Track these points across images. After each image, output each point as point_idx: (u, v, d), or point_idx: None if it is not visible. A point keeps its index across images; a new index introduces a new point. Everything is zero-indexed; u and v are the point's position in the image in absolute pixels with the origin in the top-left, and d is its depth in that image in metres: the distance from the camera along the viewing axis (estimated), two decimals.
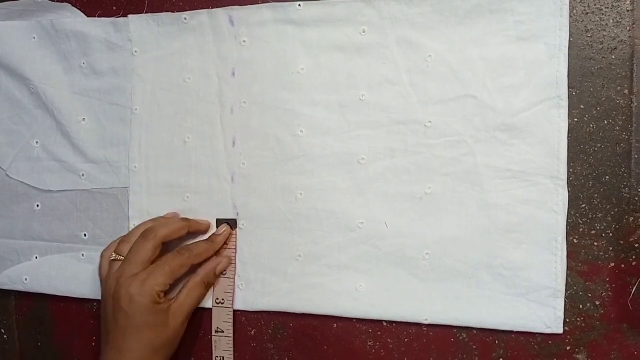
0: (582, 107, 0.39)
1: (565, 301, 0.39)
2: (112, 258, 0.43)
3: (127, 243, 0.43)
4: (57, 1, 0.48)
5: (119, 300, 0.41)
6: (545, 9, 0.39)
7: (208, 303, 0.45)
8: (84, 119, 0.47)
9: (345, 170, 0.43)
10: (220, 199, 0.45)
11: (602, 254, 0.39)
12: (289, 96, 0.43)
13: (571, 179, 0.39)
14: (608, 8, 0.39)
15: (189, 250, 0.43)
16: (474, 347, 0.41)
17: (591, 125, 0.39)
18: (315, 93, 0.43)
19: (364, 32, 0.42)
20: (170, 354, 0.43)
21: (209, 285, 0.44)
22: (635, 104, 0.38)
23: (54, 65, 0.48)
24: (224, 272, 0.45)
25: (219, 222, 0.45)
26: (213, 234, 0.45)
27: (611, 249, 0.39)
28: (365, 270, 0.42)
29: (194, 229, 0.45)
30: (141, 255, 0.42)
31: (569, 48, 0.38)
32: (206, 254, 0.44)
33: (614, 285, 0.39)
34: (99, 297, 0.47)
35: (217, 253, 0.45)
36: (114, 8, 0.47)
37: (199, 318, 0.46)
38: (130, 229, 0.46)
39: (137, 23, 0.46)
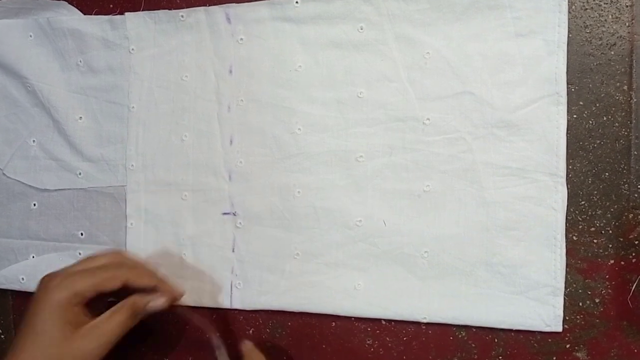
0: (581, 103, 0.39)
1: (564, 299, 0.39)
2: None
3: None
4: None
5: (36, 293, 0.37)
6: (543, 4, 0.38)
7: (206, 301, 0.45)
8: (80, 117, 0.47)
9: (343, 167, 0.42)
10: (218, 197, 0.45)
11: (601, 251, 0.39)
12: (287, 93, 0.43)
13: (570, 175, 0.39)
14: (607, 4, 0.38)
15: (139, 269, 0.40)
16: (473, 345, 0.41)
17: (590, 122, 0.39)
18: (312, 90, 0.43)
19: (361, 29, 0.42)
20: None
21: (135, 314, 0.38)
22: (635, 100, 0.38)
23: (51, 63, 0.48)
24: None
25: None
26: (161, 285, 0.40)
27: (611, 246, 0.39)
28: (363, 268, 0.42)
29: (161, 288, 0.40)
30: (94, 260, 0.39)
31: (567, 44, 0.38)
32: (145, 279, 0.39)
33: (613, 283, 0.39)
34: None
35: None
36: (111, 6, 0.47)
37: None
38: (127, 229, 0.46)
39: (134, 21, 0.46)
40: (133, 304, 0.38)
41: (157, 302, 0.39)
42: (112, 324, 0.37)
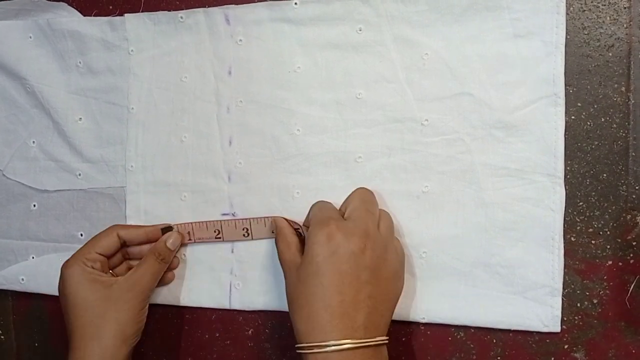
0: (579, 104, 0.39)
1: (562, 299, 0.39)
2: None
3: None
4: (54, 0, 0.48)
5: (62, 288, 0.40)
6: (541, 6, 0.38)
7: (205, 301, 0.45)
8: (80, 118, 0.47)
9: (342, 168, 0.42)
10: (217, 198, 0.45)
11: (599, 251, 0.39)
12: (286, 95, 0.43)
13: (568, 176, 0.39)
14: (605, 5, 0.38)
15: (119, 224, 0.44)
16: (472, 345, 0.41)
17: (588, 123, 0.39)
18: (311, 91, 0.43)
19: (360, 30, 0.42)
20: (129, 336, 0.40)
21: (160, 257, 0.42)
22: (632, 102, 0.38)
23: (50, 65, 0.48)
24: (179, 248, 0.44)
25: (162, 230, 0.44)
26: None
27: (609, 246, 0.39)
28: None
29: (152, 231, 0.44)
30: (83, 246, 0.42)
31: (565, 45, 0.38)
32: (137, 230, 0.43)
33: (611, 284, 0.39)
34: None
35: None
36: (110, 7, 0.47)
37: (196, 318, 0.46)
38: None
39: (133, 22, 0.46)
40: (154, 248, 0.42)
41: (172, 237, 0.43)
42: (141, 271, 0.41)
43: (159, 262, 0.42)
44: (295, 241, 0.39)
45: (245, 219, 0.43)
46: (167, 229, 0.44)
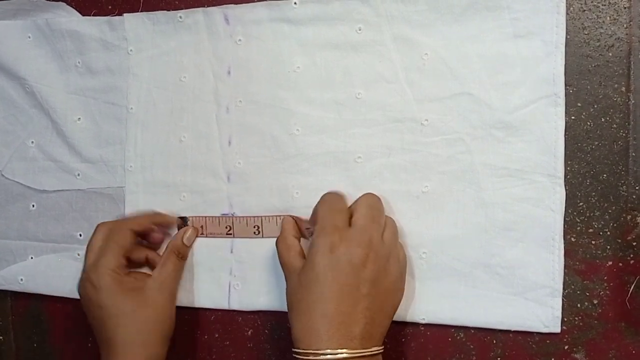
0: (579, 104, 0.39)
1: (562, 300, 0.39)
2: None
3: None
4: (52, 0, 0.48)
5: (88, 298, 0.40)
6: (541, 5, 0.38)
7: (204, 302, 0.45)
8: (79, 118, 0.47)
9: (342, 168, 0.42)
10: (216, 198, 0.45)
11: (599, 252, 0.39)
12: (285, 95, 0.43)
13: (568, 176, 0.39)
14: (605, 5, 0.38)
15: (127, 219, 0.44)
16: (472, 346, 0.41)
17: (588, 123, 0.39)
18: (311, 91, 0.43)
19: (359, 30, 0.42)
20: (168, 334, 0.41)
21: (180, 255, 0.43)
22: (633, 102, 0.38)
23: (49, 65, 0.48)
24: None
25: (178, 221, 0.45)
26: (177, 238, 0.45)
27: (609, 247, 0.39)
28: None
29: (158, 221, 0.45)
30: (93, 245, 0.42)
31: (565, 45, 0.38)
32: (145, 220, 0.44)
33: (611, 284, 0.39)
34: None
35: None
36: (109, 7, 0.47)
37: (195, 318, 0.46)
38: None
39: (133, 22, 0.46)
40: (173, 246, 0.43)
41: (189, 233, 0.44)
42: (166, 270, 0.42)
43: (179, 259, 0.43)
44: (295, 244, 0.39)
45: (257, 216, 0.44)
46: (182, 218, 0.45)
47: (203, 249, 0.45)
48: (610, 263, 0.39)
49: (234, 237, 0.44)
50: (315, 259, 0.35)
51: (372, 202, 0.39)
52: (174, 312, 0.42)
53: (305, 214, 0.43)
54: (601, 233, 0.39)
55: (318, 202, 0.39)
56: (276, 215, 0.43)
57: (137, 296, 0.40)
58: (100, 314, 0.40)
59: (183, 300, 0.45)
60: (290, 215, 0.42)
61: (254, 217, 0.44)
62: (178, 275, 0.43)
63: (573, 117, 0.39)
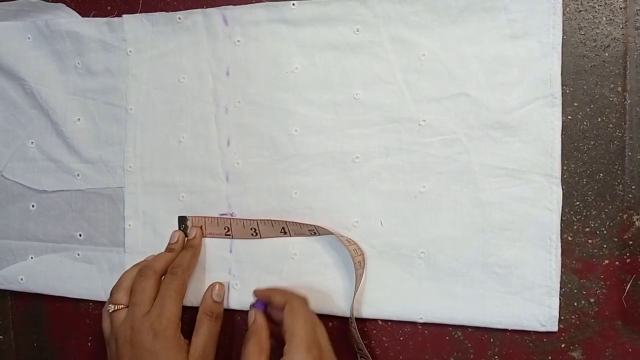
0: (575, 104, 0.39)
1: (559, 298, 0.39)
2: (112, 310, 0.40)
3: (121, 289, 0.41)
4: (52, 1, 0.48)
5: (140, 344, 0.38)
6: (538, 6, 0.39)
7: (192, 301, 0.45)
8: (78, 118, 0.47)
9: (340, 168, 0.43)
10: (215, 199, 0.45)
11: (596, 251, 0.39)
12: (283, 95, 0.43)
13: (565, 176, 0.39)
14: (601, 5, 0.39)
15: (180, 266, 0.42)
16: (469, 345, 0.41)
17: (585, 123, 0.39)
18: (309, 92, 0.43)
19: (357, 30, 0.42)
20: None
21: (215, 316, 0.42)
22: (629, 101, 0.38)
23: (49, 65, 0.48)
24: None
25: (179, 220, 0.46)
26: (188, 241, 0.45)
27: (605, 246, 0.39)
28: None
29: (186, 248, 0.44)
30: (147, 294, 0.40)
31: (562, 46, 0.38)
32: (193, 261, 0.44)
33: (608, 283, 0.39)
34: (95, 297, 0.47)
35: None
36: (109, 8, 0.47)
37: (195, 317, 0.46)
38: (125, 231, 0.46)
39: (132, 23, 0.46)
40: (205, 309, 0.42)
41: (217, 289, 0.43)
42: (203, 337, 0.40)
43: (214, 320, 0.42)
44: (267, 348, 0.38)
45: (253, 219, 0.44)
46: (182, 218, 0.45)
47: (202, 249, 0.45)
48: (606, 262, 0.39)
49: (232, 237, 0.45)
50: None
51: (306, 328, 0.37)
52: None
53: (304, 214, 0.43)
54: (598, 232, 0.39)
55: (289, 312, 0.38)
56: (272, 220, 0.43)
57: (185, 357, 0.39)
58: (146, 358, 0.38)
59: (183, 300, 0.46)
60: (261, 312, 0.40)
61: (251, 220, 0.44)
62: (215, 338, 0.41)
63: (570, 117, 0.39)
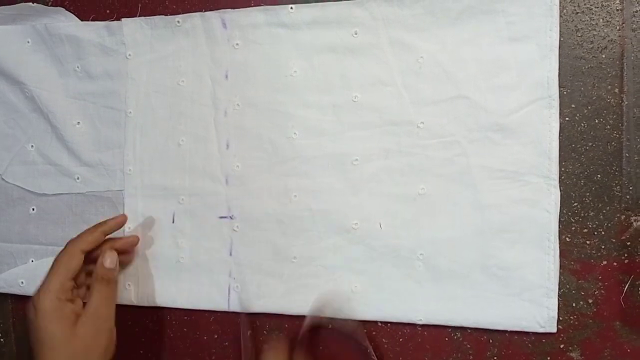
0: (573, 106, 0.39)
1: (558, 299, 0.39)
2: None
3: None
4: (51, 5, 0.48)
5: (29, 319, 0.39)
6: (535, 9, 0.39)
7: (204, 304, 0.45)
8: (78, 122, 0.48)
9: (339, 171, 0.43)
10: (215, 201, 0.45)
11: (594, 252, 0.39)
12: (282, 98, 0.43)
13: (563, 177, 0.39)
14: (598, 7, 0.39)
15: (78, 239, 0.42)
16: (468, 346, 0.41)
17: (582, 124, 0.39)
18: (308, 95, 0.43)
19: (355, 33, 0.42)
20: None
21: (107, 281, 0.41)
22: (626, 103, 0.39)
23: (49, 69, 0.48)
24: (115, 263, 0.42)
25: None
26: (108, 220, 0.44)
27: (603, 247, 0.39)
28: (360, 271, 0.42)
29: (108, 229, 0.44)
30: (50, 271, 0.40)
31: (559, 48, 0.39)
32: (95, 236, 0.43)
33: (606, 283, 0.39)
34: None
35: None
36: (108, 11, 0.47)
37: (195, 319, 0.46)
38: (125, 233, 0.46)
39: (131, 26, 0.46)
40: (96, 274, 0.41)
41: (108, 257, 0.42)
42: (95, 302, 0.40)
43: (105, 285, 0.41)
44: None
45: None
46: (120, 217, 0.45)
47: (202, 252, 0.45)
48: (604, 262, 0.39)
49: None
50: None
51: None
52: (111, 341, 0.41)
53: (303, 216, 0.43)
54: (596, 233, 0.39)
55: None
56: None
57: (71, 325, 0.39)
58: (36, 337, 0.39)
59: (183, 302, 0.46)
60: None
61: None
62: (109, 302, 0.41)
63: (567, 119, 0.39)
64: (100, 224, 0.44)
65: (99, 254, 0.42)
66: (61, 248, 0.48)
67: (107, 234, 0.44)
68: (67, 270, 0.40)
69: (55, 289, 0.40)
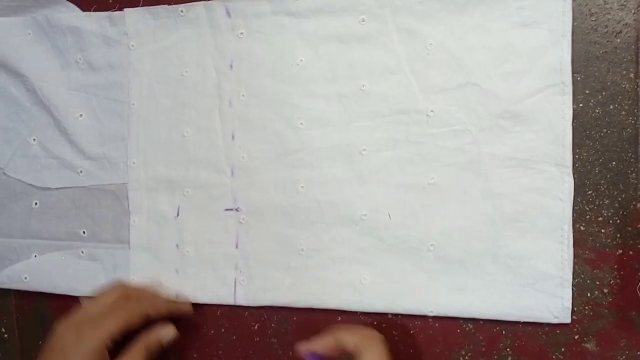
0: (587, 92, 0.38)
1: (572, 289, 0.38)
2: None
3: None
4: None
5: (61, 342, 0.37)
6: None
7: (210, 297, 0.45)
8: (81, 114, 0.47)
9: (347, 161, 0.42)
10: (220, 193, 0.44)
11: (609, 240, 0.39)
12: (288, 88, 0.43)
13: (577, 165, 0.39)
14: None
15: (152, 299, 0.42)
16: (481, 337, 0.41)
17: (596, 110, 0.38)
18: (314, 84, 0.42)
19: (363, 21, 0.41)
20: None
21: (150, 352, 0.40)
22: None
23: (50, 61, 0.47)
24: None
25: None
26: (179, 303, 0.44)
27: (618, 235, 0.38)
28: (369, 262, 0.42)
29: (176, 312, 0.43)
30: (102, 298, 0.40)
31: (572, 32, 0.38)
32: (162, 309, 0.42)
33: (621, 273, 0.38)
34: None
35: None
36: (110, 1, 0.46)
37: (202, 313, 0.46)
38: (130, 226, 0.46)
39: (133, 16, 0.45)
40: (145, 340, 0.40)
41: (169, 335, 0.42)
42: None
43: (147, 356, 0.40)
44: None
45: None
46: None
47: (208, 245, 0.45)
48: (620, 251, 0.38)
49: None
50: None
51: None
52: None
53: (310, 208, 0.42)
54: (611, 221, 0.38)
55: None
56: None
57: None
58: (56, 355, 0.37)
59: (188, 296, 0.45)
60: (323, 343, 0.38)
61: None
62: None
63: (581, 105, 0.39)
64: (173, 301, 0.44)
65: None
66: (64, 242, 0.48)
67: (172, 314, 0.43)
68: (126, 323, 0.39)
69: (105, 335, 0.37)
